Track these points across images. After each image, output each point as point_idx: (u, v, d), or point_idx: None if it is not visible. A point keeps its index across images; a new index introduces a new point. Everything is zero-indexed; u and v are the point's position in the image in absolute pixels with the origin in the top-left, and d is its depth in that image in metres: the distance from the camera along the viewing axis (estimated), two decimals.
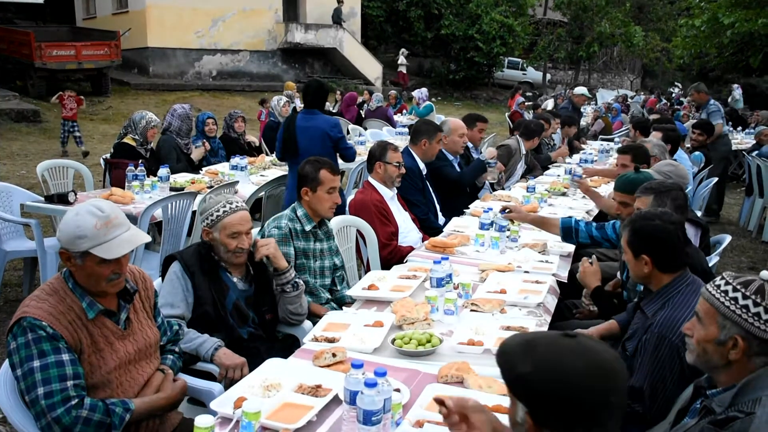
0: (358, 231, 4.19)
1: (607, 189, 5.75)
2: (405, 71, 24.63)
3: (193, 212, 4.69)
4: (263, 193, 5.51)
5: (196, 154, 6.37)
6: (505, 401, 2.07)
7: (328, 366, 2.37)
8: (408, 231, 4.44)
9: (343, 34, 23.01)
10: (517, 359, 1.33)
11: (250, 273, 2.96)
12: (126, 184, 5.12)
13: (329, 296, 3.51)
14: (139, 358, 2.28)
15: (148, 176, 5.15)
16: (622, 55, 33.71)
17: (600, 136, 12.47)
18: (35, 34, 16.01)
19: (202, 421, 1.80)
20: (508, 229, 4.03)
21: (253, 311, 2.92)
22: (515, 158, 6.81)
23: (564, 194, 5.89)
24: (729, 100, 17.97)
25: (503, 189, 6.19)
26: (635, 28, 28.33)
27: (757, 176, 8.05)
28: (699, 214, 4.47)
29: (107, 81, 17.76)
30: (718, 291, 1.79)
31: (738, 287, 1.76)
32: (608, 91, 26.19)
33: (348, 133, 9.89)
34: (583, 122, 13.40)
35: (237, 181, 5.56)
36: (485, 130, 6.45)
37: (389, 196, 4.40)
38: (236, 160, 6.11)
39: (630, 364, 2.37)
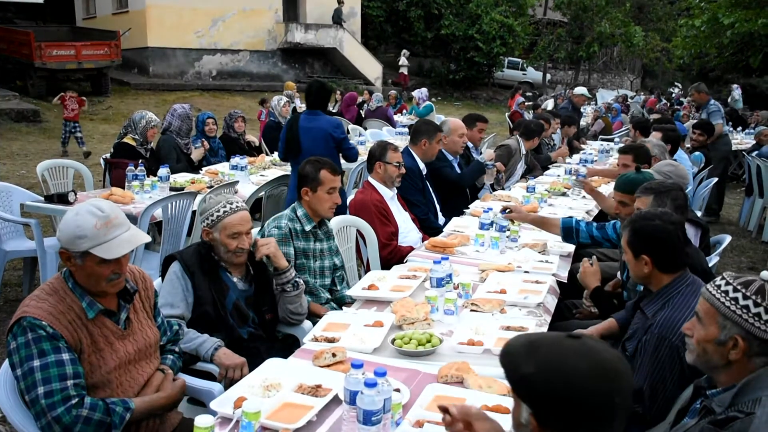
0: (358, 231, 4.19)
1: (607, 189, 5.75)
2: (406, 72, 24.64)
3: (193, 212, 4.69)
4: (263, 193, 5.51)
5: (196, 154, 6.37)
6: (506, 401, 2.08)
7: (328, 366, 2.37)
8: (408, 231, 4.44)
9: (343, 34, 23.01)
10: (521, 360, 1.33)
11: (250, 273, 2.96)
12: (126, 183, 5.11)
13: (329, 296, 3.51)
14: (139, 358, 2.28)
15: (148, 176, 5.15)
16: (622, 55, 33.71)
17: (600, 136, 12.47)
18: (35, 33, 16.01)
19: (202, 421, 1.80)
20: (508, 229, 4.03)
21: (253, 311, 2.92)
22: (515, 158, 6.80)
23: (564, 194, 5.89)
24: (729, 100, 17.97)
25: (503, 189, 6.19)
26: (635, 28, 28.33)
27: (757, 176, 8.05)
28: (699, 214, 4.47)
29: (107, 81, 17.76)
30: (719, 291, 1.79)
31: (738, 287, 1.76)
32: (608, 91, 26.19)
33: (348, 133, 9.89)
34: (583, 122, 13.40)
35: (237, 181, 5.56)
36: (485, 130, 6.45)
37: (389, 196, 4.40)
38: (236, 160, 6.10)
39: (630, 364, 2.37)
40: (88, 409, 2.04)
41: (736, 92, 17.78)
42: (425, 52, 27.98)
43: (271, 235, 3.28)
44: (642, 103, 21.06)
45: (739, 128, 14.04)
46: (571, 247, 4.00)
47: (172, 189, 5.08)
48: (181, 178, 5.55)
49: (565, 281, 3.54)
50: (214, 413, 2.04)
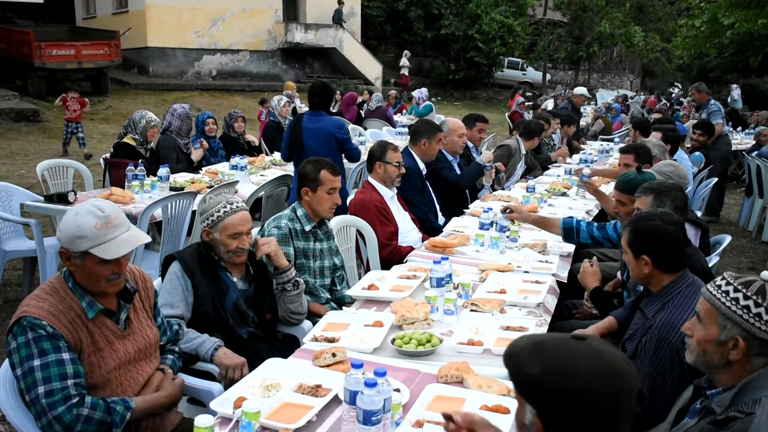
0: (358, 231, 4.19)
1: (607, 189, 5.75)
2: (407, 73, 24.66)
3: (193, 212, 4.69)
4: (263, 192, 5.51)
5: (196, 155, 6.36)
6: (506, 401, 2.08)
7: (328, 366, 2.37)
8: (408, 231, 4.44)
9: (343, 34, 23.01)
10: (526, 361, 1.33)
11: (250, 273, 2.96)
12: (126, 183, 5.11)
13: (329, 296, 3.51)
14: (139, 357, 2.28)
15: (148, 176, 5.15)
16: (622, 56, 33.71)
17: (600, 136, 12.47)
18: (35, 33, 16.00)
19: (201, 420, 1.80)
20: (508, 229, 4.03)
21: (253, 311, 2.92)
22: (515, 158, 6.80)
23: (564, 194, 5.89)
24: (728, 100, 17.97)
25: (503, 189, 6.19)
26: (635, 28, 28.34)
27: (756, 176, 8.05)
28: (699, 214, 4.47)
29: (107, 81, 17.76)
30: (719, 291, 1.79)
31: (739, 288, 1.76)
32: (608, 92, 26.18)
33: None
34: (583, 122, 13.40)
35: (237, 181, 5.56)
36: (485, 130, 6.45)
37: (389, 196, 4.40)
38: (236, 159, 6.10)
39: None
40: (89, 408, 2.04)
41: (735, 92, 17.78)
42: (425, 52, 27.99)
43: (271, 235, 3.28)
44: (642, 103, 21.06)
45: (739, 128, 14.04)
46: (570, 247, 4.00)
47: (171, 189, 5.08)
48: (181, 178, 5.55)
49: (565, 281, 3.54)
50: (214, 413, 2.04)
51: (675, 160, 5.47)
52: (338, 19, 22.88)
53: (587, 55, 28.89)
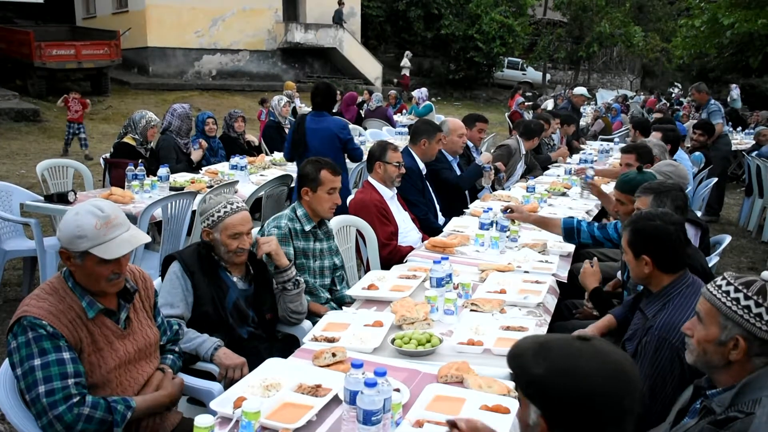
0: (357, 231, 4.19)
1: (607, 189, 5.75)
2: (408, 73, 24.68)
3: (193, 212, 4.69)
4: (263, 192, 5.51)
5: (196, 156, 6.36)
6: (506, 401, 2.08)
7: (328, 366, 2.37)
8: (408, 231, 4.44)
9: (343, 33, 23.01)
10: (531, 361, 1.33)
11: (250, 272, 2.96)
12: (126, 183, 5.11)
13: (329, 296, 3.51)
14: (139, 357, 2.28)
15: (148, 176, 5.15)
16: (622, 56, 33.71)
17: (600, 136, 12.47)
18: (35, 33, 16.00)
19: (201, 420, 1.80)
20: (508, 229, 4.03)
21: (253, 311, 2.92)
22: (515, 158, 6.80)
23: (564, 194, 5.89)
24: (727, 99, 17.99)
25: (503, 189, 6.19)
26: (635, 28, 28.34)
27: (756, 176, 8.05)
28: (699, 214, 4.46)
29: (107, 80, 17.76)
30: (720, 291, 1.79)
31: (740, 288, 1.76)
32: (608, 91, 26.18)
33: None
34: (582, 122, 13.40)
35: (237, 181, 5.56)
36: (485, 130, 6.45)
37: (389, 195, 4.40)
38: (236, 159, 6.10)
39: None
40: (90, 407, 2.04)
41: (735, 92, 17.79)
42: (425, 52, 28.00)
43: (271, 235, 3.28)
44: (642, 103, 21.06)
45: (739, 128, 14.04)
46: (570, 247, 4.00)
47: (171, 189, 5.08)
48: (181, 177, 5.55)
49: (565, 281, 3.54)
50: (213, 413, 2.04)
51: (675, 160, 5.47)
52: (338, 20, 22.89)
53: (587, 55, 28.89)
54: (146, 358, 2.32)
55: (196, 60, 21.39)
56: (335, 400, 2.13)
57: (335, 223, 3.93)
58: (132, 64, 20.48)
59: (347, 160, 5.83)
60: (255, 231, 3.27)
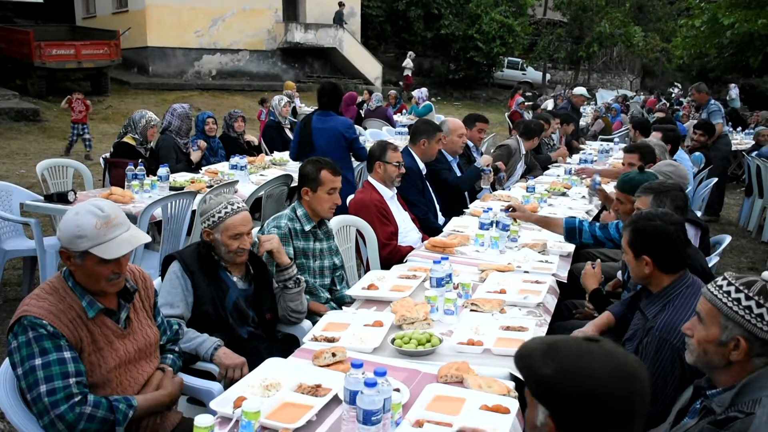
0: (357, 231, 4.19)
1: (607, 189, 5.74)
2: (410, 74, 24.70)
3: (193, 211, 4.69)
4: (263, 192, 5.51)
5: (195, 157, 6.36)
6: (506, 401, 2.08)
7: (328, 366, 2.37)
8: (408, 231, 4.44)
9: (343, 33, 23.01)
10: (539, 361, 1.33)
11: (250, 272, 2.96)
12: (126, 183, 5.11)
13: (329, 296, 3.52)
14: (139, 357, 2.28)
15: (148, 176, 5.15)
16: (622, 56, 33.71)
17: (600, 136, 12.47)
18: (35, 33, 16.00)
19: (201, 420, 1.80)
20: (509, 227, 4.03)
21: (252, 311, 2.91)
22: (515, 158, 6.80)
23: (564, 194, 5.89)
24: (727, 99, 17.99)
25: (503, 189, 6.19)
26: (635, 28, 28.34)
27: (756, 176, 8.05)
28: (699, 214, 4.46)
29: (107, 80, 17.76)
30: (720, 291, 1.79)
31: (741, 288, 1.76)
32: (608, 91, 26.18)
33: None
34: (582, 122, 13.40)
35: (237, 181, 5.56)
36: (485, 130, 6.45)
37: (389, 195, 4.40)
38: (236, 159, 6.10)
39: None
40: (92, 406, 2.04)
41: (734, 91, 17.80)
42: (425, 51, 28.00)
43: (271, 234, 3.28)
44: (642, 103, 21.06)
45: (739, 128, 14.04)
46: (570, 247, 4.00)
47: (171, 188, 5.08)
48: (181, 177, 5.55)
49: (565, 281, 3.54)
50: (213, 413, 2.04)
51: (675, 160, 5.47)
52: (339, 21, 22.90)
53: (587, 55, 28.89)
54: (146, 358, 2.32)
55: (196, 60, 21.39)
56: (335, 400, 2.13)
57: (335, 223, 3.93)
58: (132, 63, 20.48)
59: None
60: (255, 231, 3.27)
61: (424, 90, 13.66)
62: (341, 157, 5.48)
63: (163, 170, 5.15)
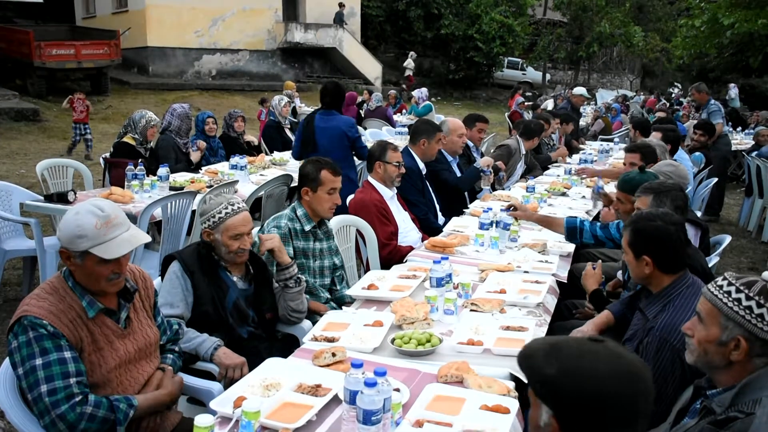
0: (357, 231, 4.19)
1: (607, 189, 5.74)
2: (411, 74, 24.70)
3: (193, 211, 4.69)
4: (263, 192, 5.51)
5: (195, 157, 6.36)
6: (506, 401, 2.08)
7: (328, 365, 2.37)
8: (408, 231, 4.44)
9: (343, 33, 23.01)
10: (542, 361, 1.33)
11: (250, 272, 2.96)
12: (125, 183, 5.11)
13: (329, 296, 3.52)
14: (139, 357, 2.28)
15: (148, 175, 5.15)
16: (622, 56, 33.71)
17: (600, 136, 12.47)
18: (34, 33, 16.00)
19: (201, 420, 1.80)
20: (510, 227, 4.03)
21: (253, 310, 2.91)
22: (515, 158, 6.80)
23: (564, 194, 5.89)
24: (726, 98, 18.00)
25: (503, 189, 6.19)
26: (635, 28, 28.35)
27: (756, 176, 8.05)
28: (699, 214, 4.46)
29: (107, 80, 17.76)
30: (721, 291, 1.79)
31: (741, 288, 1.76)
32: (608, 92, 26.18)
33: None
34: (582, 122, 13.40)
35: (237, 181, 5.56)
36: (485, 130, 6.45)
37: (389, 195, 4.40)
38: (236, 159, 6.11)
39: None
40: (92, 406, 2.04)
41: (733, 91, 17.80)
42: (425, 52, 28.01)
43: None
44: (642, 103, 21.06)
45: (739, 128, 14.04)
46: (570, 247, 4.00)
47: (171, 188, 5.08)
48: (181, 177, 5.55)
49: (565, 281, 3.54)
50: (213, 413, 2.04)
51: (675, 160, 5.47)
52: (339, 22, 22.91)
53: (587, 55, 28.90)
54: (146, 358, 2.32)
55: (196, 60, 21.39)
56: (335, 400, 2.13)
57: (335, 222, 3.93)
58: (132, 63, 20.48)
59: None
60: (255, 231, 3.27)
61: (424, 90, 13.66)
62: (344, 156, 5.50)
63: (163, 170, 5.15)
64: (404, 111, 14.75)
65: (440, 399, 2.15)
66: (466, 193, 5.71)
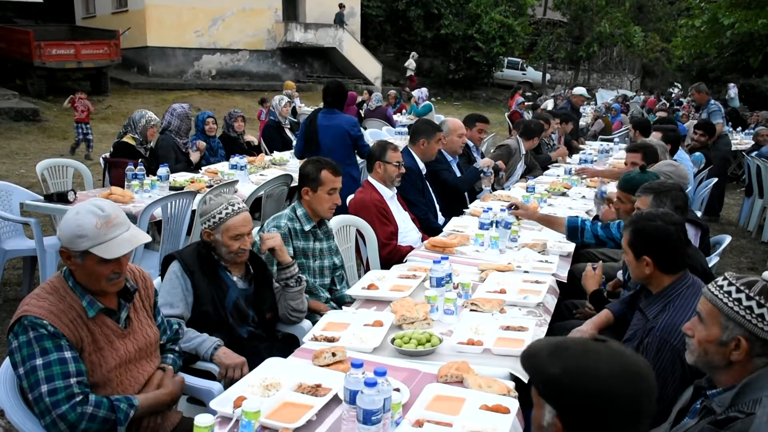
0: (357, 230, 4.19)
1: (608, 189, 5.74)
2: (413, 74, 24.71)
3: (193, 211, 4.69)
4: (263, 192, 5.51)
5: (194, 158, 6.36)
6: (506, 401, 2.08)
7: (328, 365, 2.37)
8: (408, 231, 4.44)
9: (343, 33, 23.01)
10: (546, 361, 1.33)
11: (250, 272, 2.95)
12: (125, 183, 5.11)
13: (329, 296, 3.52)
14: (139, 357, 2.28)
15: (148, 175, 5.15)
16: (622, 55, 33.71)
17: (600, 136, 12.47)
18: (34, 33, 16.00)
19: (201, 420, 1.80)
20: (511, 225, 4.03)
21: (253, 310, 2.91)
22: (515, 158, 6.80)
23: (564, 194, 5.89)
24: (726, 98, 18.00)
25: (503, 189, 6.19)
26: (635, 28, 28.35)
27: (756, 176, 8.05)
28: (699, 214, 4.46)
29: (107, 80, 17.77)
30: (721, 291, 1.79)
31: (742, 288, 1.76)
32: (608, 91, 26.18)
33: None
34: (582, 122, 13.40)
35: (236, 181, 5.56)
36: (485, 131, 6.45)
37: (389, 195, 4.40)
38: (236, 159, 6.11)
39: None
40: (93, 406, 2.04)
41: (732, 91, 17.80)
42: (425, 51, 28.01)
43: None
44: (642, 103, 21.06)
45: (739, 128, 14.04)
46: (570, 247, 4.00)
47: (171, 188, 5.08)
48: (181, 177, 5.55)
49: (565, 281, 3.54)
50: (213, 412, 2.04)
51: (675, 160, 5.47)
52: (339, 22, 22.91)
53: (587, 55, 28.90)
54: (147, 358, 2.32)
55: (196, 60, 21.39)
56: (335, 400, 2.13)
57: (335, 222, 3.93)
58: (132, 63, 20.48)
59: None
60: (255, 230, 3.27)
61: (424, 90, 13.66)
62: (347, 155, 5.52)
63: (162, 170, 5.15)
64: (404, 111, 14.75)
65: (440, 399, 2.15)
66: (466, 193, 5.71)
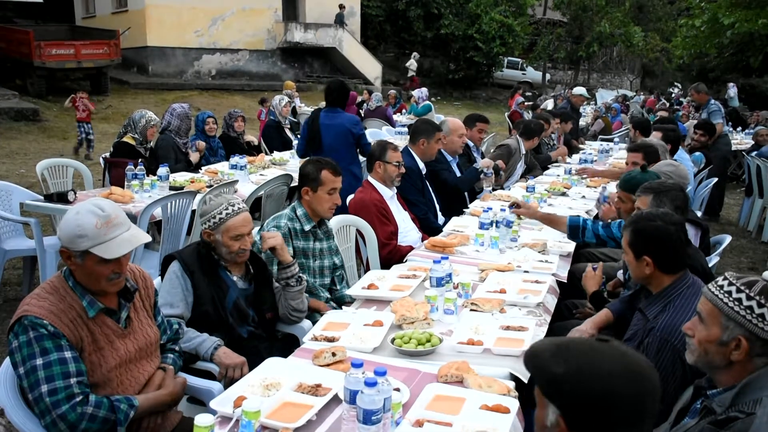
0: (357, 230, 4.19)
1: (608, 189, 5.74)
2: (414, 74, 24.72)
3: (193, 211, 4.69)
4: (263, 192, 5.51)
5: (194, 158, 6.36)
6: (506, 401, 2.08)
7: (328, 365, 2.37)
8: (408, 230, 4.44)
9: (343, 33, 23.02)
10: (549, 361, 1.33)
11: (250, 271, 2.95)
12: (125, 183, 5.11)
13: (329, 296, 3.52)
14: (139, 356, 2.28)
15: (148, 175, 5.15)
16: (622, 55, 33.72)
17: (600, 136, 12.47)
18: (34, 33, 16.00)
19: (202, 420, 1.80)
20: (512, 224, 4.03)
21: (253, 310, 2.91)
22: (515, 158, 6.80)
23: (564, 194, 5.89)
24: (726, 98, 18.00)
25: (503, 189, 6.19)
26: (635, 28, 28.35)
27: (756, 176, 8.05)
28: (699, 214, 4.46)
29: (106, 80, 17.76)
30: (721, 291, 1.79)
31: (742, 288, 1.76)
32: (608, 91, 26.18)
33: None
34: (582, 122, 13.39)
35: (236, 181, 5.56)
36: (486, 130, 6.45)
37: (389, 195, 4.40)
38: (236, 159, 6.11)
39: None
40: (93, 406, 2.04)
41: (732, 90, 17.80)
42: (425, 51, 28.01)
43: None
44: (641, 103, 21.06)
45: (739, 128, 14.04)
46: (570, 247, 4.00)
47: (171, 188, 5.08)
48: (181, 177, 5.55)
49: (565, 281, 3.54)
50: (214, 412, 2.04)
51: (675, 159, 5.47)
52: (339, 23, 22.91)
53: (587, 55, 28.90)
54: (147, 358, 2.32)
55: (196, 59, 21.39)
56: (335, 400, 2.13)
57: (335, 222, 3.93)
58: (132, 63, 20.48)
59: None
60: (255, 230, 3.27)
61: (424, 90, 13.66)
62: (349, 153, 5.53)
63: (162, 170, 5.15)
64: (404, 111, 14.75)
65: (440, 399, 2.15)
66: (466, 193, 5.71)
